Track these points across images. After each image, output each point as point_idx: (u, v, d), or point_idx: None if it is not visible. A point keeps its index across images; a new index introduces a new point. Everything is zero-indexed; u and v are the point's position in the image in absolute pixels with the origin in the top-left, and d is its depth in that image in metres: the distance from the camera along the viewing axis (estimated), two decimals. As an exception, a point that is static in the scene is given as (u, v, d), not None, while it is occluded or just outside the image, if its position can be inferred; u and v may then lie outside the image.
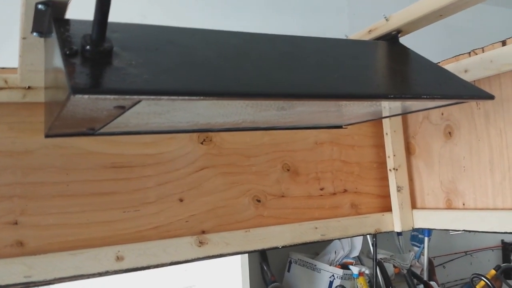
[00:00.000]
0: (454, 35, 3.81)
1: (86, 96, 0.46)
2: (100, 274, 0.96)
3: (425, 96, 0.60)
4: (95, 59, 0.50)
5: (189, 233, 1.06)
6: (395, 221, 1.26)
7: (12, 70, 0.93)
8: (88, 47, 0.50)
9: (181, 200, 1.07)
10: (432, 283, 3.35)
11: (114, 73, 0.49)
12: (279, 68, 0.60)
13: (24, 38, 0.66)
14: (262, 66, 0.60)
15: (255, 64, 0.60)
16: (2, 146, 0.92)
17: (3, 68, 0.96)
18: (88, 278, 0.96)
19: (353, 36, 0.85)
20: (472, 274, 3.44)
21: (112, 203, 1.00)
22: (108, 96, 0.47)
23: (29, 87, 0.92)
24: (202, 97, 0.51)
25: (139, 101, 0.51)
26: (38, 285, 0.92)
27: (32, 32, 0.64)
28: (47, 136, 0.72)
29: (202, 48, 0.59)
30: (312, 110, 0.70)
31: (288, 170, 1.18)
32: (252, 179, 1.14)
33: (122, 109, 0.54)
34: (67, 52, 0.49)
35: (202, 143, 1.11)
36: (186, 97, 0.50)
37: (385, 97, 0.59)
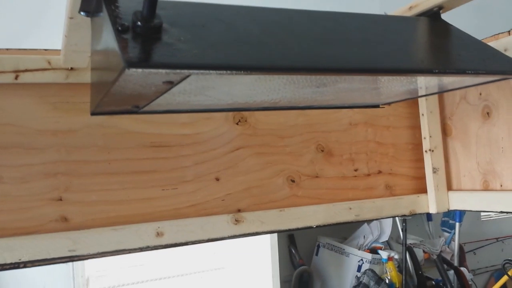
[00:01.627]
0: (488, 17, 3.71)
1: (139, 70, 0.47)
2: (141, 249, 0.99)
3: (469, 71, 0.60)
4: (146, 34, 0.51)
5: (225, 211, 1.09)
6: (430, 203, 1.25)
7: (55, 51, 0.96)
8: (139, 23, 0.51)
9: (217, 179, 1.09)
10: (462, 269, 3.31)
11: (164, 48, 0.50)
12: (322, 44, 0.61)
13: (71, 18, 0.68)
14: (305, 41, 0.60)
15: (298, 40, 0.60)
16: (46, 125, 0.96)
17: (46, 49, 0.99)
18: (129, 252, 0.99)
19: (393, 12, 0.84)
20: (504, 260, 3.39)
21: (151, 181, 1.03)
22: (159, 70, 0.48)
23: (71, 68, 0.95)
24: (248, 71, 0.52)
25: (188, 76, 0.52)
26: (81, 259, 0.96)
27: (79, 11, 0.66)
28: (93, 113, 0.74)
29: (247, 25, 0.59)
30: (352, 87, 0.71)
31: (322, 151, 1.19)
32: (286, 159, 1.15)
33: (170, 84, 0.56)
34: (119, 28, 0.51)
35: (237, 124, 1.12)
36: (234, 71, 0.52)
37: (429, 71, 0.58)
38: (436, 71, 0.58)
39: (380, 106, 0.95)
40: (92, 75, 0.74)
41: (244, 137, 1.12)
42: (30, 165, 0.94)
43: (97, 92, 0.67)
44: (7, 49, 0.95)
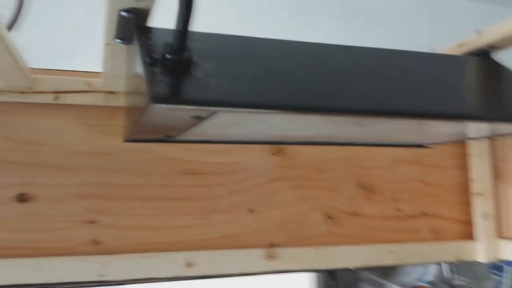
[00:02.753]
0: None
1: (164, 106, 0.45)
2: (171, 279, 0.97)
3: (525, 120, 0.54)
4: (175, 68, 0.50)
5: (258, 245, 1.05)
6: (479, 251, 1.16)
7: (95, 74, 0.97)
8: (168, 56, 0.50)
9: (251, 211, 1.06)
10: (513, 317, 3.09)
11: (192, 83, 0.48)
12: (361, 82, 0.57)
13: (107, 44, 0.68)
14: (342, 79, 0.57)
15: (335, 77, 0.57)
16: (83, 147, 0.96)
17: (86, 71, 1.00)
18: (159, 281, 0.97)
19: (441, 50, 0.79)
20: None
21: (184, 209, 1.01)
22: (186, 107, 0.46)
23: (111, 92, 0.96)
24: (279, 111, 0.50)
25: (216, 112, 0.50)
26: (110, 284, 0.95)
27: (115, 38, 0.65)
28: (126, 140, 0.74)
29: (280, 59, 0.57)
30: (394, 128, 0.66)
31: (363, 187, 1.13)
32: (324, 194, 1.11)
33: (200, 119, 0.53)
34: (148, 61, 0.50)
35: (274, 155, 1.09)
36: (263, 110, 0.49)
37: (480, 118, 0.54)
38: (488, 118, 0.53)
39: (426, 146, 0.90)
40: (126, 100, 0.74)
41: (281, 168, 1.09)
42: (65, 185, 0.95)
43: (130, 119, 0.66)
44: (48, 69, 0.97)
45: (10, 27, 2.48)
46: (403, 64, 0.62)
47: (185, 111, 0.50)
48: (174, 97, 0.46)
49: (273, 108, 0.49)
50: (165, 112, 0.50)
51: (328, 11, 3.36)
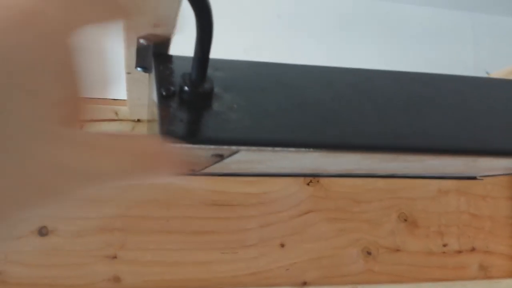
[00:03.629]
0: None
1: (177, 146, 0.40)
2: (194, 319, 0.91)
3: None
4: (193, 101, 0.44)
5: (290, 283, 0.97)
6: (536, 291, 1.05)
7: (122, 101, 0.93)
8: (186, 87, 0.44)
9: (282, 246, 0.98)
10: None
11: (212, 119, 0.42)
12: (408, 114, 0.50)
13: (128, 73, 0.64)
14: (386, 110, 0.50)
15: (377, 108, 0.50)
16: (108, 177, 0.92)
17: (114, 99, 0.97)
18: (182, 322, 0.91)
19: (497, 73, 0.71)
20: None
21: (210, 243, 0.95)
22: (203, 146, 0.40)
23: (138, 120, 0.91)
24: (311, 149, 0.43)
25: (238, 151, 0.43)
26: (132, 323, 0.90)
27: (136, 67, 0.61)
28: (147, 174, 0.68)
29: (314, 89, 0.50)
30: (445, 163, 0.58)
31: (405, 220, 1.04)
32: (363, 227, 1.02)
33: (221, 157, 0.47)
34: (163, 93, 0.44)
35: (308, 184, 1.02)
36: (292, 149, 0.42)
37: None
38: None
39: (478, 178, 0.81)
40: (148, 128, 0.69)
41: (315, 199, 1.01)
42: (87, 218, 0.90)
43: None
44: (76, 98, 0.93)
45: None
46: (457, 91, 0.54)
47: (203, 150, 0.44)
48: (189, 135, 0.40)
49: (302, 146, 0.42)
50: (182, 150, 0.44)
51: (367, 31, 3.29)
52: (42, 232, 0.89)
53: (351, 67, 0.55)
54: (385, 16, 3.51)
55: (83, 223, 0.90)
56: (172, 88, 0.45)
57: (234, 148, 0.41)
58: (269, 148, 0.42)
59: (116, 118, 0.91)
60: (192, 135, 0.40)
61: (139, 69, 0.62)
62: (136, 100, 0.79)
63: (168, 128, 0.40)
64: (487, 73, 0.72)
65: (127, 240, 0.91)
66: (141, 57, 0.58)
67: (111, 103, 0.95)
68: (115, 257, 0.90)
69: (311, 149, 0.43)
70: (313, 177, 0.99)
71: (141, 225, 0.92)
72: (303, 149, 0.42)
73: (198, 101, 0.44)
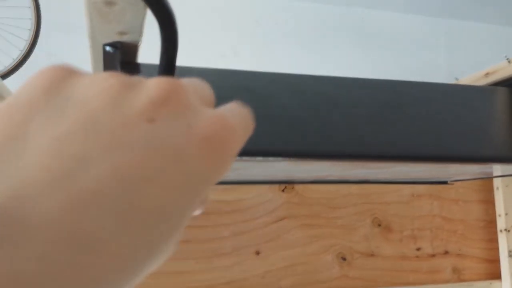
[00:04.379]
0: None
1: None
2: (168, 331, 0.89)
3: None
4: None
5: (265, 290, 0.97)
6: (507, 292, 1.06)
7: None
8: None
9: (257, 253, 0.98)
10: None
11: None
12: (375, 121, 0.50)
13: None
14: (355, 118, 0.50)
15: (346, 115, 0.50)
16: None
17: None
18: (155, 333, 0.89)
19: (466, 79, 0.72)
20: None
21: (184, 252, 0.94)
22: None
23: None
24: (280, 158, 0.42)
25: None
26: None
27: (103, 74, 0.59)
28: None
29: (283, 97, 0.50)
30: (414, 170, 0.59)
31: (379, 225, 1.05)
32: (337, 233, 1.03)
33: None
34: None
35: (283, 191, 1.01)
36: (261, 158, 0.42)
37: (507, 161, 0.46)
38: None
39: (449, 182, 0.82)
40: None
41: (290, 206, 1.01)
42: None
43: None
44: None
45: (26, 57, 2.48)
46: (424, 98, 0.55)
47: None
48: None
49: (272, 155, 0.42)
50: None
51: (343, 37, 3.31)
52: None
53: (319, 75, 0.55)
54: (361, 23, 3.54)
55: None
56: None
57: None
58: (238, 158, 0.41)
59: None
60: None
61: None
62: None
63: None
64: (456, 79, 0.74)
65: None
66: (109, 64, 0.57)
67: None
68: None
69: (279, 158, 0.42)
70: (287, 184, 0.98)
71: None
72: (271, 158, 0.42)
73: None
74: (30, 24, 2.47)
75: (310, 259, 1.00)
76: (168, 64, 0.42)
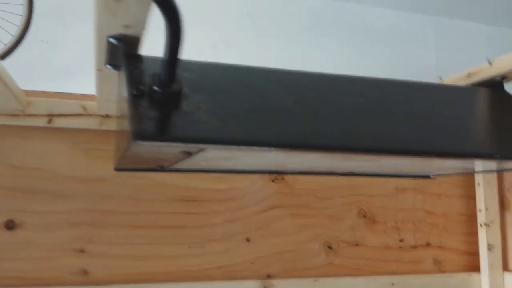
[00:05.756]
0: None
1: (147, 143, 0.42)
2: (162, 311, 0.93)
3: (537, 159, 0.51)
4: (163, 101, 0.46)
5: (254, 276, 1.01)
6: (483, 283, 1.11)
7: (91, 97, 0.94)
8: (156, 88, 0.46)
9: (247, 240, 1.02)
10: None
11: (180, 118, 0.45)
12: (363, 117, 0.54)
13: (98, 70, 0.66)
14: (343, 113, 0.53)
15: (335, 111, 0.54)
16: (76, 172, 0.93)
17: (82, 94, 0.98)
18: (149, 314, 0.93)
19: (449, 79, 0.76)
20: None
21: (178, 237, 0.98)
22: (171, 144, 0.43)
23: (106, 115, 0.93)
24: (273, 148, 0.46)
25: (204, 149, 0.46)
26: (99, 317, 0.91)
27: (105, 64, 0.63)
28: (116, 169, 0.70)
29: (277, 91, 0.54)
30: (398, 163, 0.63)
31: (365, 216, 1.09)
32: (325, 223, 1.07)
33: (189, 154, 0.50)
34: (134, 93, 0.46)
35: (273, 181, 1.05)
36: (256, 148, 0.46)
37: (489, 156, 0.50)
38: (498, 156, 0.50)
39: (431, 177, 0.86)
40: (116, 125, 0.71)
41: (280, 196, 1.05)
42: (56, 212, 0.91)
43: (118, 149, 0.63)
44: (43, 92, 0.94)
45: (17, 43, 2.47)
46: (409, 96, 0.59)
47: (171, 147, 0.47)
48: (159, 134, 0.43)
49: (265, 145, 0.45)
50: (149, 148, 0.47)
51: (334, 32, 3.34)
52: (9, 225, 0.89)
53: (312, 72, 0.59)
54: (351, 18, 3.58)
55: (51, 217, 0.91)
56: (142, 88, 0.48)
57: (201, 146, 0.44)
58: (235, 147, 0.45)
59: (84, 113, 0.92)
60: (162, 133, 0.43)
61: (109, 66, 0.64)
62: (105, 96, 0.80)
63: (137, 126, 0.43)
64: (440, 78, 0.77)
65: (95, 234, 0.93)
66: (112, 56, 0.60)
67: (79, 98, 0.96)
68: (83, 251, 0.92)
69: (273, 148, 0.46)
70: (277, 174, 1.02)
71: (110, 219, 0.94)
72: (266, 148, 0.46)
73: (167, 101, 0.47)
74: (22, 9, 2.47)
75: (298, 247, 1.04)
76: (172, 57, 0.46)
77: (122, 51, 0.55)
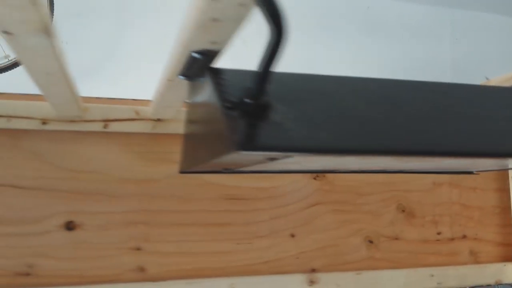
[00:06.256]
0: None
1: (247, 152, 0.46)
2: (214, 305, 0.98)
3: None
4: (254, 113, 0.50)
5: (299, 270, 1.05)
6: (519, 274, 1.15)
7: (142, 102, 0.98)
8: (247, 100, 0.50)
9: (292, 236, 1.06)
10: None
11: (273, 128, 0.49)
12: (432, 121, 0.57)
13: (169, 80, 0.69)
14: (414, 118, 0.57)
15: (404, 115, 0.57)
16: (130, 174, 0.97)
17: (134, 99, 1.02)
18: (202, 308, 0.98)
19: (494, 79, 0.79)
20: None
21: (226, 234, 1.02)
22: (269, 153, 0.47)
23: (158, 119, 0.97)
24: (357, 154, 0.50)
25: (293, 156, 0.50)
26: (154, 310, 0.96)
27: (179, 75, 0.66)
28: (182, 172, 0.74)
29: (351, 98, 0.57)
30: (454, 162, 0.66)
31: (403, 211, 1.13)
32: (365, 218, 1.11)
33: (274, 160, 0.54)
34: (228, 105, 0.50)
35: (315, 179, 1.09)
36: (343, 155, 0.49)
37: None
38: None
39: (474, 172, 0.89)
40: (186, 131, 0.74)
41: (321, 193, 1.09)
42: (112, 213, 0.95)
43: (192, 157, 0.66)
44: (97, 98, 0.98)
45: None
46: (471, 99, 0.62)
47: (263, 156, 0.51)
48: (258, 144, 0.47)
49: (351, 152, 0.49)
50: (244, 156, 0.51)
51: (349, 26, 3.36)
52: (69, 227, 0.94)
53: (379, 78, 0.62)
54: (366, 11, 3.58)
55: (108, 217, 0.95)
56: (234, 100, 0.51)
57: (294, 154, 0.48)
58: (323, 155, 0.48)
59: (137, 117, 0.96)
60: (259, 143, 0.47)
61: (181, 77, 0.68)
62: (164, 102, 0.84)
63: (237, 137, 0.47)
64: (487, 78, 0.80)
65: (150, 233, 0.97)
66: (188, 68, 0.64)
67: (131, 103, 1.00)
68: (139, 249, 0.96)
69: (357, 154, 0.50)
70: (327, 173, 1.06)
71: (163, 218, 0.98)
72: (350, 155, 0.49)
73: (258, 112, 0.50)
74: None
75: (340, 241, 1.08)
76: (265, 71, 0.49)
77: (202, 64, 0.59)
